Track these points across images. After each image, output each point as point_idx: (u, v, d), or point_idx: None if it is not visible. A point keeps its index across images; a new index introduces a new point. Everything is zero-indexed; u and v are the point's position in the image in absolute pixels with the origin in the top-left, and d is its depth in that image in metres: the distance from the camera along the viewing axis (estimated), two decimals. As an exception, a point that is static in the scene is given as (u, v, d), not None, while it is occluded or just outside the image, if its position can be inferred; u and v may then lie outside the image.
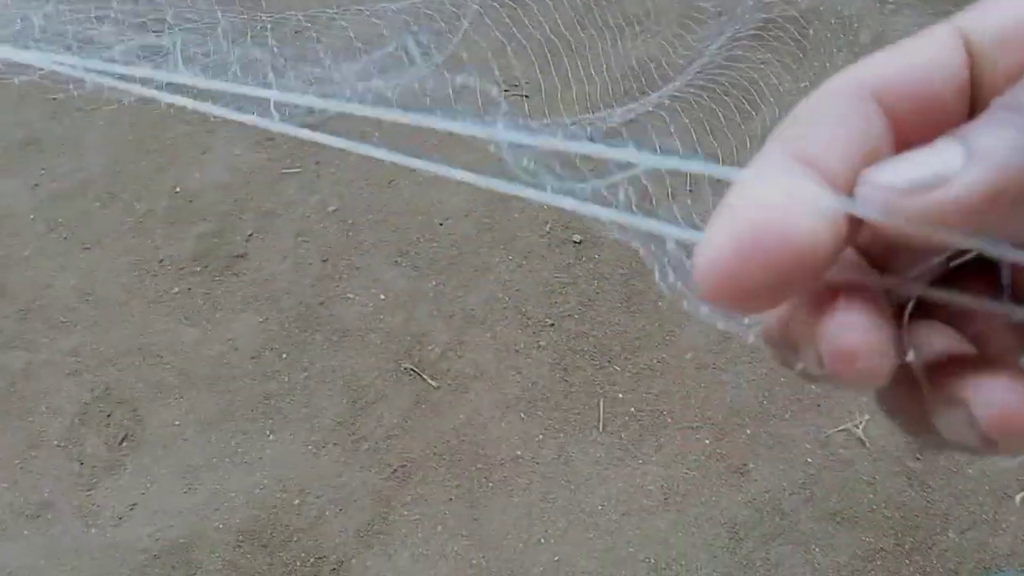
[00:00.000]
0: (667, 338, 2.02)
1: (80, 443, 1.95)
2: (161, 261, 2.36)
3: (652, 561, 1.58)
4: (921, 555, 1.57)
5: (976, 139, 0.20)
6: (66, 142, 2.66)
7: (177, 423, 1.99)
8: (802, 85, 2.55)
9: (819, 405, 1.80)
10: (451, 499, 1.77)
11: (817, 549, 1.55)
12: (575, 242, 2.37)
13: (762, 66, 2.56)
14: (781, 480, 1.67)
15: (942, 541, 1.60)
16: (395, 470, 1.84)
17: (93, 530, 1.73)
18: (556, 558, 1.62)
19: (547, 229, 2.45)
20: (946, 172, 0.20)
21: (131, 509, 1.78)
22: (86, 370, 2.12)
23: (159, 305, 2.26)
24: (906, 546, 1.58)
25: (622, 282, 2.20)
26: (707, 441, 1.77)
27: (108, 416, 2.01)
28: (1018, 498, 1.60)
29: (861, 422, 1.77)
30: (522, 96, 2.99)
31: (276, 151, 2.73)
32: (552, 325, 2.14)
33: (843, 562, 1.51)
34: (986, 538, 1.59)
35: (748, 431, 1.78)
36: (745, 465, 1.71)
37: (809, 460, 1.70)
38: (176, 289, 2.32)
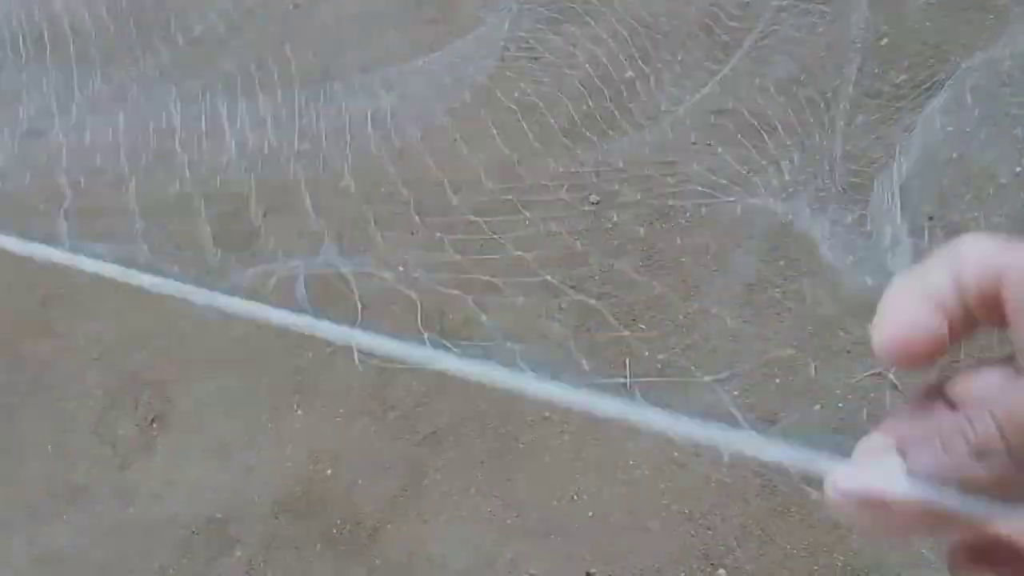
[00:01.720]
0: (691, 293, 2.01)
1: (111, 426, 1.96)
2: (178, 247, 2.37)
3: (687, 512, 1.58)
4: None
5: (914, 461, 0.26)
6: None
7: (206, 402, 2.01)
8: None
9: (849, 351, 1.79)
10: (482, 462, 1.77)
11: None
12: (592, 203, 2.35)
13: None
14: (812, 427, 1.67)
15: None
16: (425, 437, 1.85)
17: (131, 509, 1.75)
18: (590, 514, 1.63)
19: (564, 192, 2.43)
20: (888, 491, 0.26)
21: (167, 487, 1.80)
22: (111, 355, 2.14)
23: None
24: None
25: (642, 240, 2.18)
26: (736, 393, 1.77)
27: (137, 399, 2.02)
28: None
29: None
30: (533, 58, 2.96)
31: (282, 131, 2.72)
32: (574, 287, 2.13)
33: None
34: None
35: (777, 380, 1.77)
36: (776, 414, 1.71)
37: (841, 405, 1.69)
38: (195, 272, 2.32)
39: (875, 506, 0.27)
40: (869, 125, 2.23)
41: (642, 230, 2.18)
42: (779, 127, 2.25)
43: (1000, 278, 0.26)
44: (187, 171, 2.58)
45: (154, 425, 1.96)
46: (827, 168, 2.11)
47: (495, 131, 2.61)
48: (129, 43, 3.01)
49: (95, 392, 2.06)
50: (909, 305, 0.28)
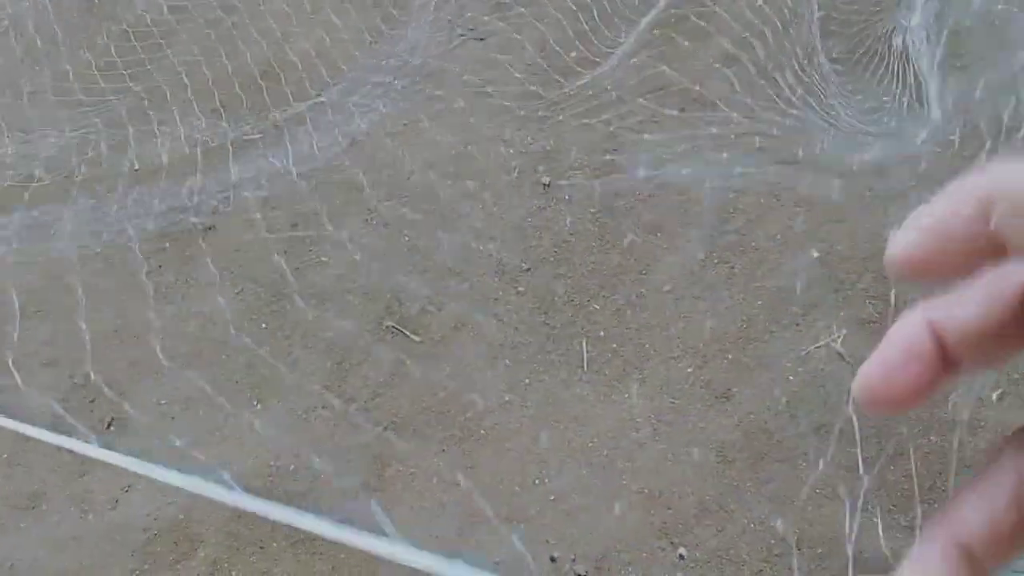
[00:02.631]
0: (643, 272, 2.03)
1: (67, 431, 1.93)
2: (128, 243, 2.33)
3: (646, 491, 1.61)
4: (905, 458, 1.61)
5: None
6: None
7: (163, 402, 1.99)
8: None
9: (797, 324, 1.83)
10: (444, 450, 1.78)
11: (803, 464, 1.58)
12: (544, 184, 2.36)
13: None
14: (765, 400, 1.70)
15: (924, 444, 1.64)
16: (386, 427, 1.85)
17: (91, 516, 1.73)
18: (552, 497, 1.65)
19: (515, 173, 2.43)
20: None
21: (125, 492, 1.78)
22: (64, 358, 2.10)
23: (133, 286, 2.23)
24: (889, 451, 1.61)
25: (593, 220, 2.19)
26: (690, 370, 1.79)
27: (92, 402, 2.00)
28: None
29: (839, 336, 1.79)
30: (479, 39, 2.94)
31: (231, 114, 2.68)
32: (528, 270, 2.14)
33: (830, 473, 1.54)
34: (966, 438, 1.63)
35: (730, 356, 1.80)
36: (729, 389, 1.73)
37: (791, 378, 1.73)
38: (146, 268, 2.29)
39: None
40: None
41: (593, 210, 2.19)
42: (723, 98, 2.26)
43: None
44: (136, 163, 2.53)
45: (111, 428, 1.94)
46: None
47: (446, 115, 2.59)
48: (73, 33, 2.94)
49: (49, 395, 2.03)
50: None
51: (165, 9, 3.03)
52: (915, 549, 0.26)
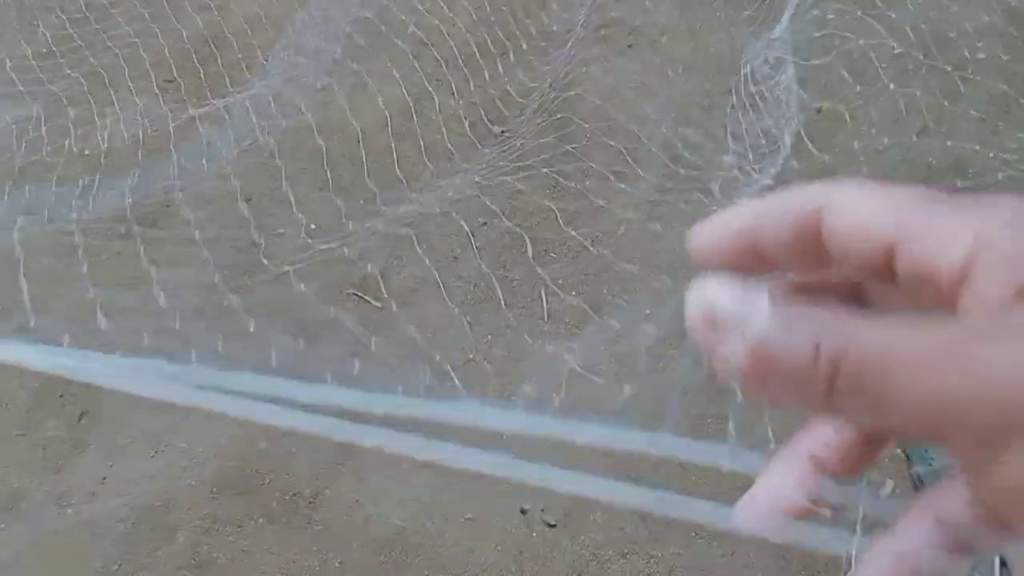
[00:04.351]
0: (597, 215, 2.02)
1: (39, 428, 1.94)
2: (84, 230, 2.30)
3: (611, 437, 1.63)
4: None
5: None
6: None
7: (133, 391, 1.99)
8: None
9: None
10: (413, 413, 1.79)
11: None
12: (496, 135, 2.33)
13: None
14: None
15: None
16: (354, 395, 1.86)
17: (69, 510, 1.75)
18: (520, 451, 1.67)
19: (467, 126, 2.40)
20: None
21: (102, 483, 1.79)
22: (30, 355, 2.10)
23: (93, 273, 2.22)
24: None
25: (547, 166, 2.17)
26: (648, 311, 1.79)
27: (62, 396, 2.00)
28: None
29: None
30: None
31: (177, 94, 2.63)
32: (485, 224, 2.13)
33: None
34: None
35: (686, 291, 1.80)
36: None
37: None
38: (104, 256, 2.28)
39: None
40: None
41: (546, 156, 2.17)
42: (668, 33, 2.22)
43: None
44: (78, 148, 2.49)
45: (83, 421, 1.94)
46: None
47: (393, 72, 2.54)
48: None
49: (18, 394, 2.03)
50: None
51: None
52: (770, 463, 0.29)
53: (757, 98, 1.76)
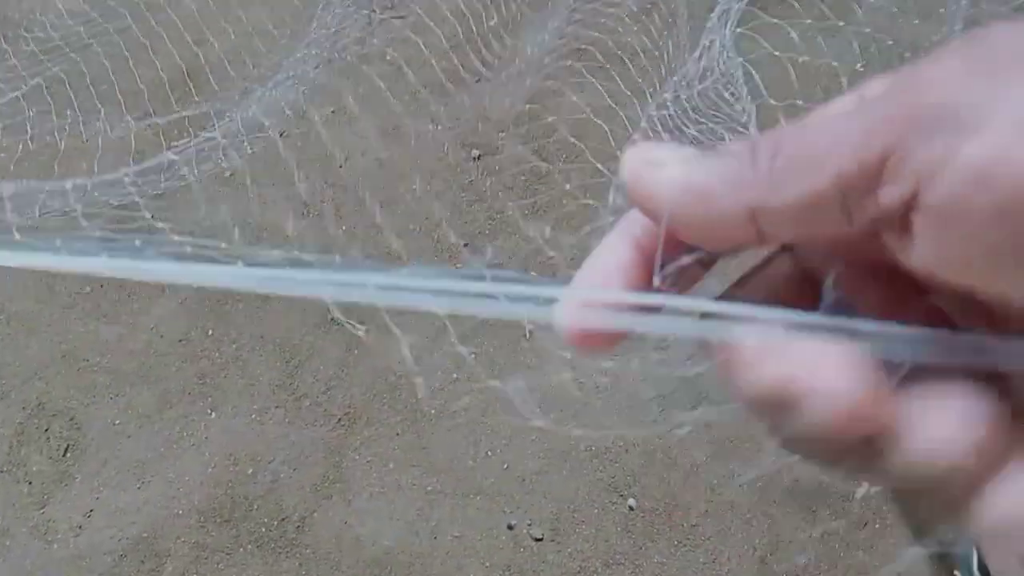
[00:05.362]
0: (575, 232, 2.05)
1: (23, 463, 1.94)
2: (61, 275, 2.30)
3: (592, 448, 1.65)
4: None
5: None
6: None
7: (117, 422, 1.99)
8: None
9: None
10: (398, 434, 1.80)
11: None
12: (475, 157, 2.36)
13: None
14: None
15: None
16: (339, 419, 1.87)
17: (55, 545, 1.74)
18: (505, 466, 1.68)
19: (445, 149, 2.43)
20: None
21: (88, 516, 1.79)
22: (13, 389, 2.10)
23: (74, 309, 2.22)
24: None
25: (525, 187, 2.20)
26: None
27: (46, 431, 2.00)
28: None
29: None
30: (399, 18, 2.91)
31: (154, 121, 2.64)
32: (467, 245, 2.15)
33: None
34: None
35: (666, 307, 1.83)
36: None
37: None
38: (88, 288, 2.28)
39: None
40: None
41: (523, 177, 2.20)
42: (641, 54, 2.27)
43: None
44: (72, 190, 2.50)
45: (67, 455, 1.94)
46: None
47: (371, 98, 2.58)
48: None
49: (1, 429, 2.03)
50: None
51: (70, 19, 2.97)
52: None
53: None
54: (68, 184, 2.25)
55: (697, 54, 1.78)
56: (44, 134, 2.59)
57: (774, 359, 0.22)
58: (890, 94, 0.21)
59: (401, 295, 0.27)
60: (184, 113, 2.60)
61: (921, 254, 0.21)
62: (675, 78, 1.79)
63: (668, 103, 1.68)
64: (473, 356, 1.91)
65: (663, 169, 0.24)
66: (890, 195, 0.21)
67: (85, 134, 2.57)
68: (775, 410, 0.22)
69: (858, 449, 0.22)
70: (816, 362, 0.22)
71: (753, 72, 1.78)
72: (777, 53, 2.03)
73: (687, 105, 1.64)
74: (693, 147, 0.25)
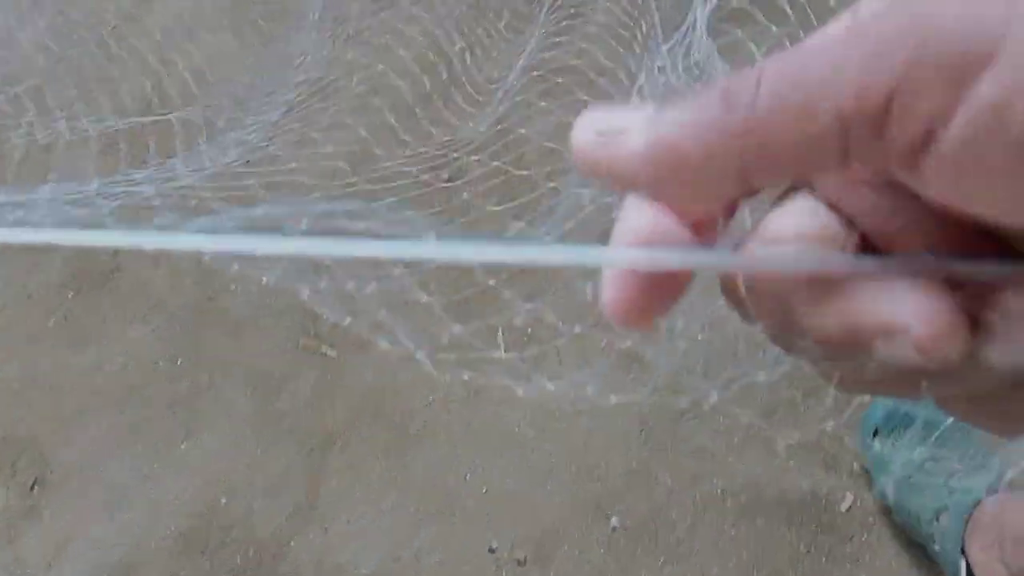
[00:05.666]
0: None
1: (-10, 499, 1.89)
2: (30, 296, 2.27)
3: (575, 468, 1.64)
4: (817, 399, 1.67)
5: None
6: None
7: (87, 452, 1.95)
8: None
9: (706, 286, 1.87)
10: (376, 458, 1.79)
11: (721, 418, 1.64)
12: (445, 181, 2.36)
13: None
14: (678, 360, 1.74)
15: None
16: (317, 443, 1.85)
17: (26, 582, 1.70)
18: (485, 489, 1.67)
19: (415, 171, 2.43)
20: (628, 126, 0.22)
21: (59, 551, 1.75)
22: (-23, 423, 2.05)
23: (41, 338, 2.18)
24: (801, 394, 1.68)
25: (496, 213, 2.21)
26: (603, 343, 1.83)
27: (13, 465, 1.95)
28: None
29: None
30: (364, 44, 2.92)
31: (118, 154, 2.62)
32: (439, 267, 2.15)
33: (745, 423, 1.60)
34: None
35: (641, 324, 1.84)
36: (640, 356, 1.78)
37: (700, 337, 1.77)
38: (53, 320, 2.24)
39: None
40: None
41: (495, 200, 2.21)
42: (608, 74, 2.30)
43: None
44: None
45: (35, 490, 1.90)
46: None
47: (339, 124, 2.57)
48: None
49: (-32, 467, 1.98)
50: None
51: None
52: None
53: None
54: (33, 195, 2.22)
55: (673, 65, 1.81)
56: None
57: (857, 292, 0.21)
58: (891, 14, 0.19)
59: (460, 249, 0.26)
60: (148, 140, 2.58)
61: (935, 189, 0.20)
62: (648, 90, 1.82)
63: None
64: (448, 379, 1.90)
65: (624, 137, 0.22)
66: (898, 140, 0.19)
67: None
68: (849, 348, 0.22)
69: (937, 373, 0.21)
70: (896, 297, 0.21)
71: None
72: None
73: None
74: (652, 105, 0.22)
